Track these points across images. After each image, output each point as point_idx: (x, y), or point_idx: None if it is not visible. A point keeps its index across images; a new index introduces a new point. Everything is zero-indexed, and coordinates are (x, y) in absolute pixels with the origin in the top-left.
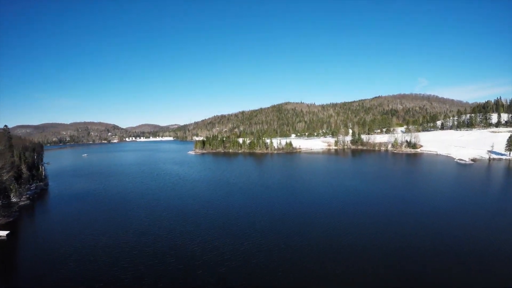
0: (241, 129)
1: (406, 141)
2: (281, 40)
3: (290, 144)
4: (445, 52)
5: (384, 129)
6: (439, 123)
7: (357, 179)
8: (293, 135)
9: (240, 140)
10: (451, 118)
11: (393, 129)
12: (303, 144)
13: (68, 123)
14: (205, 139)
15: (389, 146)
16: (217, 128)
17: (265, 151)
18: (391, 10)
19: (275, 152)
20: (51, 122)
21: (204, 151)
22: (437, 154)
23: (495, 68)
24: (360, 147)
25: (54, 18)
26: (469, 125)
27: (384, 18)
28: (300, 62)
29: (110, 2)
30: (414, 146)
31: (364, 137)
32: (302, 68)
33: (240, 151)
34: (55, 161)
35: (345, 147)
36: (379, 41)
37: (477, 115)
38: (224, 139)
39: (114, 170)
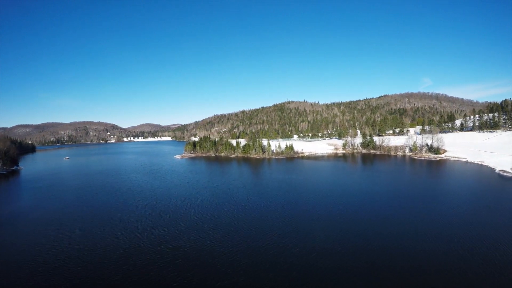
0: (241, 129)
1: (427, 144)
2: (284, 40)
3: (291, 147)
4: (449, 52)
5: (396, 130)
6: (458, 123)
7: (383, 208)
8: (295, 136)
9: (234, 142)
10: (472, 118)
11: (407, 130)
12: (306, 147)
13: (68, 122)
14: (197, 140)
15: (407, 151)
16: (216, 128)
17: (262, 156)
18: (394, 10)
19: (273, 157)
20: (51, 121)
21: (192, 155)
22: (467, 162)
23: (498, 67)
24: (372, 151)
25: (54, 18)
26: (493, 126)
27: (388, 18)
28: (302, 61)
29: (110, 2)
30: (437, 151)
31: (376, 139)
32: (305, 67)
33: (233, 156)
34: (32, 165)
35: (355, 151)
36: (382, 41)
37: (501, 115)
38: (216, 141)
39: (77, 180)
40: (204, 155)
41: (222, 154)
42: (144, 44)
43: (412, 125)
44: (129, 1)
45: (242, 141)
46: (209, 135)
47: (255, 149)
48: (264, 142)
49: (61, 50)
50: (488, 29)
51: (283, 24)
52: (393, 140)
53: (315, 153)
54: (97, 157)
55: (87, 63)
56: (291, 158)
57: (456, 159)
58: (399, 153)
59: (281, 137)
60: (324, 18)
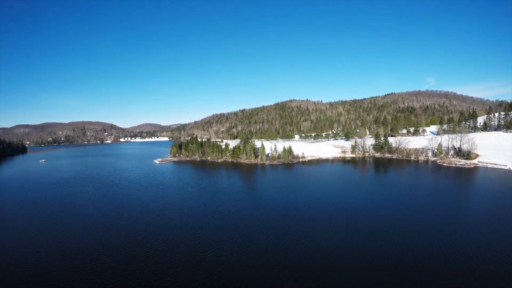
0: (239, 128)
1: (453, 147)
2: (286, 40)
3: (290, 150)
4: (452, 52)
5: (411, 130)
6: (480, 120)
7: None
8: (296, 136)
9: (229, 142)
10: (496, 115)
11: (423, 130)
12: (308, 149)
13: (67, 122)
14: (185, 141)
15: (429, 155)
16: (214, 128)
17: (254, 161)
18: (397, 10)
19: (267, 162)
20: (51, 122)
21: (175, 159)
22: (509, 170)
23: (500, 67)
24: (387, 155)
25: (55, 18)
26: None
27: (391, 18)
28: (304, 60)
29: (110, 2)
30: (468, 155)
31: (391, 140)
32: (307, 66)
33: (220, 160)
34: (3, 169)
35: (366, 154)
36: (386, 40)
37: None
38: (203, 142)
39: (16, 196)
40: (188, 159)
41: (209, 158)
42: (146, 44)
43: (426, 124)
44: (129, 1)
45: (232, 143)
46: (196, 136)
47: (246, 153)
48: (258, 143)
49: (63, 51)
50: (489, 29)
51: (285, 22)
52: (410, 142)
53: (319, 157)
54: (74, 161)
55: (89, 64)
56: (289, 163)
57: (494, 166)
58: (421, 158)
59: (282, 137)
60: (326, 17)
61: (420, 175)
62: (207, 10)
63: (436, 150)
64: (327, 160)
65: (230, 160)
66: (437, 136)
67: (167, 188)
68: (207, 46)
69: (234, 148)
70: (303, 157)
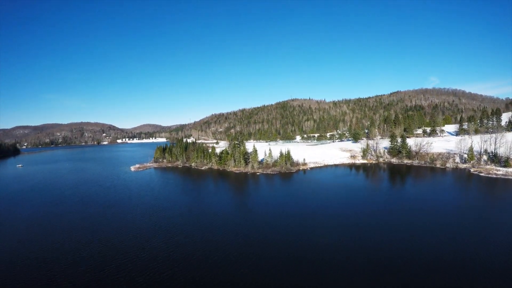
0: (238, 129)
1: (486, 152)
2: (287, 40)
3: (288, 156)
4: (455, 51)
5: (427, 130)
6: (505, 118)
7: None
8: (298, 137)
9: (211, 145)
10: None
11: (441, 130)
12: (310, 154)
13: (66, 123)
14: (190, 142)
15: (457, 160)
16: (212, 129)
17: (244, 170)
18: (399, 9)
19: (260, 171)
20: (51, 122)
21: (155, 165)
22: None
23: (503, 66)
24: (406, 160)
25: (54, 19)
26: None
27: (393, 17)
28: (306, 60)
29: (109, 3)
30: (506, 162)
31: (410, 143)
32: (308, 65)
33: (204, 168)
34: None
35: (380, 160)
36: (389, 40)
37: None
38: (188, 144)
39: None
40: (170, 165)
41: (193, 165)
42: (147, 44)
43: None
44: (128, 2)
45: (227, 144)
46: (183, 138)
47: (235, 159)
48: (249, 146)
49: (64, 51)
50: (490, 27)
51: (287, 21)
52: (435, 144)
53: (323, 163)
54: (50, 166)
55: (90, 64)
56: (287, 172)
57: None
58: (449, 165)
59: (282, 138)
60: (328, 16)
61: (465, 193)
62: (207, 10)
63: (466, 155)
64: (333, 166)
65: (216, 167)
66: (458, 136)
67: (113, 216)
68: (208, 46)
69: (221, 153)
70: (304, 163)
